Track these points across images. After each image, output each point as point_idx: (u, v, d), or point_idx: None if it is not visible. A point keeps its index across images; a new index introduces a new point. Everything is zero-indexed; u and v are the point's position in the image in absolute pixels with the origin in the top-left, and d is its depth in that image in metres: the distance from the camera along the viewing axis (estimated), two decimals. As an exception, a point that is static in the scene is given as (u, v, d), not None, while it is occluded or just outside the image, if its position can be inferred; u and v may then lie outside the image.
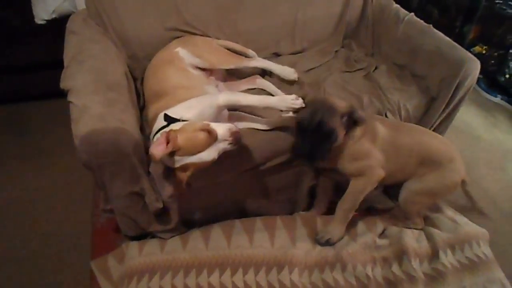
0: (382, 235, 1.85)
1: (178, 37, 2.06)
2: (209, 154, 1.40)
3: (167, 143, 1.33)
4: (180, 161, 1.40)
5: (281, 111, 1.62)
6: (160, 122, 1.53)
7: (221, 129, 1.42)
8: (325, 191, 1.96)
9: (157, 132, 1.51)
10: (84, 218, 2.06)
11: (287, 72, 2.06)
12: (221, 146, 1.42)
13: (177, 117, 1.50)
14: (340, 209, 1.75)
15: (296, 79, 2.07)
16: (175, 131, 1.38)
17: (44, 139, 2.59)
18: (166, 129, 1.44)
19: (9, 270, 1.87)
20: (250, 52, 2.15)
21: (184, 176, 1.42)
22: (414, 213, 1.85)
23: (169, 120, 1.50)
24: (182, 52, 1.87)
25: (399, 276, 1.66)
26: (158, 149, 1.32)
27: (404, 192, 1.80)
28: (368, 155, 1.66)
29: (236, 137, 1.44)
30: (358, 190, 1.70)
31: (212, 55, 1.95)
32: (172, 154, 1.37)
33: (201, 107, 1.55)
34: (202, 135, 1.38)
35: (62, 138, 2.40)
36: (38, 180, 2.32)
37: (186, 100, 1.59)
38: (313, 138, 1.51)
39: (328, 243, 1.77)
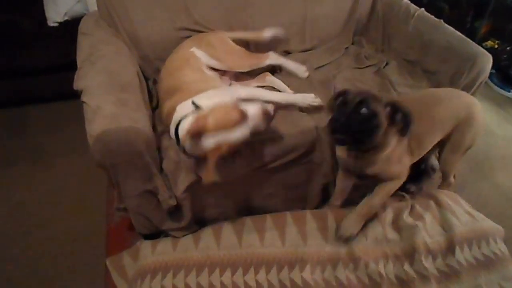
0: (394, 225, 1.83)
1: (188, 37, 2.07)
2: (241, 133, 1.40)
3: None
4: (213, 141, 1.39)
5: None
6: (180, 112, 1.53)
7: (252, 108, 1.43)
8: (344, 188, 1.92)
9: (180, 121, 1.51)
10: (98, 218, 2.09)
11: (301, 70, 2.08)
12: (252, 124, 1.42)
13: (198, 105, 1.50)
14: (365, 205, 1.73)
15: (306, 77, 2.07)
16: (204, 114, 1.40)
17: (55, 140, 2.62)
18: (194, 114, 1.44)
19: (25, 270, 1.89)
20: (265, 34, 2.14)
21: (215, 155, 1.41)
22: (452, 171, 1.97)
23: (195, 107, 1.50)
24: (199, 53, 1.88)
25: (411, 275, 1.65)
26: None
27: (443, 160, 1.91)
28: (404, 158, 1.65)
29: (267, 116, 1.44)
30: (388, 191, 1.70)
31: (230, 57, 1.95)
32: (199, 135, 1.38)
33: (220, 98, 1.54)
34: (233, 114, 1.38)
35: (72, 138, 2.45)
36: (49, 182, 2.35)
37: (202, 92, 1.59)
38: (353, 116, 1.41)
39: (348, 239, 1.76)
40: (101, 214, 2.10)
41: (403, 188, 2.16)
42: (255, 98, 1.62)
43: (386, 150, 1.57)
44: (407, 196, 1.95)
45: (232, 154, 1.47)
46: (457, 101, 1.76)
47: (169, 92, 1.71)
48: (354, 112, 1.41)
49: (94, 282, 1.82)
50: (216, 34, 2.05)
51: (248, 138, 1.44)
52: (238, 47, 2.06)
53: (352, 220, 1.75)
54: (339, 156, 1.75)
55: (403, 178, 1.69)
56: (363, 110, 1.41)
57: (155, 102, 1.92)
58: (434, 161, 2.17)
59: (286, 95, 1.66)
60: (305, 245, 1.75)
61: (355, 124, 1.41)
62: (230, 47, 2.03)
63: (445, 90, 1.86)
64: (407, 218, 1.83)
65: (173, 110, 1.58)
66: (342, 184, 1.90)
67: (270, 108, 1.49)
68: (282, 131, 1.71)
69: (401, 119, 1.45)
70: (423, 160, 2.07)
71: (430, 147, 1.78)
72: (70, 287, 1.83)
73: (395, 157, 1.61)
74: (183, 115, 1.50)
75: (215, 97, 1.53)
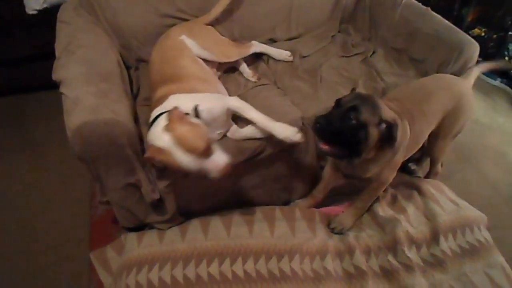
0: (373, 220, 1.84)
1: (172, 25, 2.02)
2: (189, 163, 1.33)
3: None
4: (166, 143, 1.33)
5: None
6: (169, 103, 1.49)
7: (218, 156, 1.37)
8: (329, 184, 1.90)
9: (160, 114, 1.46)
10: (82, 210, 2.05)
11: (284, 55, 2.10)
12: (205, 166, 1.36)
13: (187, 105, 1.46)
14: (355, 207, 1.79)
15: (291, 60, 2.08)
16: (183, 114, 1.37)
17: (39, 131, 2.56)
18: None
19: (6, 264, 1.86)
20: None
21: (151, 156, 1.35)
22: (441, 158, 2.00)
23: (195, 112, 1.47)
24: (189, 42, 1.85)
25: (395, 266, 1.65)
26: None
27: (431, 146, 1.92)
28: (397, 166, 1.64)
29: (224, 171, 1.37)
30: (376, 191, 1.74)
31: (218, 47, 1.94)
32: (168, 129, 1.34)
33: (213, 104, 1.53)
34: (199, 144, 1.32)
35: (56, 130, 2.36)
36: (33, 173, 2.30)
37: (200, 92, 1.58)
38: (337, 122, 1.33)
39: (340, 232, 1.79)
40: (85, 207, 2.07)
41: (405, 167, 2.20)
42: (240, 112, 1.60)
43: (380, 160, 1.52)
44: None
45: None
46: (446, 92, 1.72)
47: (166, 80, 1.67)
48: (340, 118, 1.33)
49: (78, 276, 1.79)
50: (202, 24, 2.02)
51: (190, 171, 1.36)
52: (223, 37, 2.05)
53: (345, 216, 1.80)
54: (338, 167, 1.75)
55: (391, 179, 1.70)
56: (351, 118, 1.32)
57: (136, 90, 1.88)
58: None
59: (269, 121, 1.58)
60: (294, 237, 1.74)
61: (337, 131, 1.34)
62: (218, 37, 2.02)
63: (434, 79, 1.82)
64: (385, 212, 1.84)
65: (164, 97, 1.55)
66: (329, 180, 1.88)
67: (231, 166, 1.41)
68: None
69: (389, 139, 1.37)
70: None
71: (423, 142, 1.78)
72: (54, 280, 1.80)
73: (391, 166, 1.61)
74: (170, 108, 1.44)
75: (207, 103, 1.51)
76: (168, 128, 1.34)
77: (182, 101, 1.48)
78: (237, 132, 1.68)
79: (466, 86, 1.78)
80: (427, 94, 1.69)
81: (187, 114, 1.42)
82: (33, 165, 2.35)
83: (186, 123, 1.35)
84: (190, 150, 1.32)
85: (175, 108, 1.37)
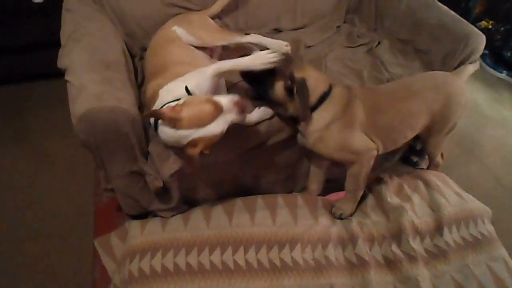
0: (379, 207, 1.84)
1: (177, 14, 2.02)
2: (217, 126, 1.37)
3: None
4: (188, 136, 1.36)
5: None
6: (164, 98, 1.49)
7: (225, 100, 1.39)
8: (317, 173, 1.94)
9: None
10: (87, 198, 2.07)
11: (278, 45, 1.92)
12: (228, 117, 1.40)
13: (178, 92, 1.47)
14: (347, 191, 1.78)
15: (289, 52, 1.94)
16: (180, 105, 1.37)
17: (42, 119, 2.58)
18: (172, 104, 1.41)
19: (11, 250, 1.88)
20: None
21: (195, 152, 1.39)
22: (437, 153, 2.02)
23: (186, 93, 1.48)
24: (179, 31, 1.83)
25: (399, 255, 1.65)
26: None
27: (425, 142, 1.94)
28: (349, 142, 1.63)
29: (241, 106, 1.41)
30: (355, 174, 1.70)
31: (205, 32, 1.89)
32: (175, 126, 1.35)
33: (196, 80, 1.51)
34: (207, 107, 1.35)
35: (59, 118, 2.42)
36: (36, 162, 2.32)
37: (183, 75, 1.55)
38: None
39: (341, 217, 1.80)
40: (89, 194, 2.09)
41: (407, 159, 2.23)
42: (225, 70, 1.57)
43: (310, 124, 1.61)
44: (385, 176, 1.95)
45: (211, 148, 1.44)
46: (431, 93, 1.71)
47: (154, 73, 1.67)
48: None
49: (82, 262, 1.81)
50: (200, 13, 2.02)
51: (224, 132, 1.40)
52: (215, 24, 2.01)
53: (343, 202, 1.80)
54: (297, 138, 1.77)
55: (366, 158, 1.67)
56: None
57: (140, 79, 1.89)
58: None
59: (238, 61, 1.55)
60: (296, 225, 1.74)
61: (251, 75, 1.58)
62: (208, 24, 1.98)
63: (423, 79, 1.79)
64: (392, 199, 1.83)
65: (155, 93, 1.54)
66: (314, 168, 1.94)
67: (242, 99, 1.44)
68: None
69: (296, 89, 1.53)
70: None
71: (403, 141, 1.79)
72: (58, 267, 1.82)
73: (341, 142, 1.63)
74: (166, 102, 1.46)
75: (190, 82, 1.50)
76: (177, 125, 1.36)
77: (171, 90, 1.49)
78: (246, 118, 1.68)
79: (456, 85, 1.76)
80: (409, 93, 1.71)
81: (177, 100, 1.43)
82: (36, 154, 2.36)
83: (182, 108, 1.36)
84: (204, 121, 1.35)
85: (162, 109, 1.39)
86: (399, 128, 1.73)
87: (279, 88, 1.56)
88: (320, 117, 1.60)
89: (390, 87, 1.81)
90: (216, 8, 2.07)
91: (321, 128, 1.61)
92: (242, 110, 1.43)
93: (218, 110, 1.37)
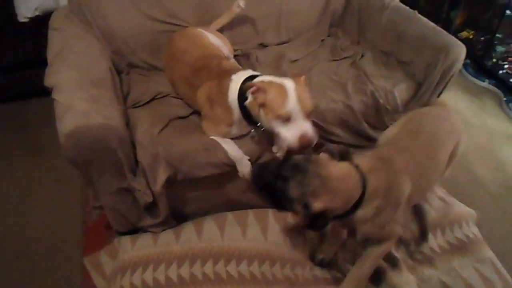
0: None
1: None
2: (293, 109, 1.39)
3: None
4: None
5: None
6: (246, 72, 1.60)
7: (307, 126, 1.43)
8: (337, 235, 1.71)
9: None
10: (75, 215, 2.06)
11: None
12: (296, 124, 1.42)
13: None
14: (355, 274, 1.52)
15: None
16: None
17: (31, 137, 2.56)
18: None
19: (1, 270, 1.86)
20: (235, 8, 2.12)
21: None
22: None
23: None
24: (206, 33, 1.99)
25: (382, 265, 1.67)
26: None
27: None
28: (393, 223, 1.42)
29: (303, 145, 1.42)
30: (379, 254, 1.48)
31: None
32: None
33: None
34: (309, 102, 1.44)
35: (49, 136, 2.39)
36: (28, 179, 2.30)
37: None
38: (267, 183, 1.29)
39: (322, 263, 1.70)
40: (77, 212, 2.07)
41: None
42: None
43: (356, 221, 1.35)
44: None
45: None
46: (452, 136, 1.62)
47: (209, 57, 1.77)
48: (269, 180, 1.28)
49: (72, 281, 1.79)
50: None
51: (286, 116, 1.41)
52: None
53: (349, 278, 1.54)
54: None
55: (396, 236, 1.48)
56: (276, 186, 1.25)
57: (125, 93, 1.90)
58: None
59: (231, 149, 1.66)
60: (286, 244, 1.75)
61: (267, 187, 1.30)
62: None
63: (438, 122, 1.64)
64: None
65: (233, 70, 1.65)
66: (332, 237, 1.72)
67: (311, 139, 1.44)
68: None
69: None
70: None
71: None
72: (47, 284, 1.80)
73: (378, 222, 1.37)
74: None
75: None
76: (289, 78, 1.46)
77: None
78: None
79: (458, 120, 1.71)
80: (440, 143, 1.57)
81: None
82: (27, 171, 2.35)
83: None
84: (302, 101, 1.40)
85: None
86: (434, 179, 1.61)
87: (299, 211, 1.24)
88: (364, 214, 1.32)
89: (419, 141, 1.55)
90: (214, 26, 2.13)
91: (369, 219, 1.34)
92: (302, 148, 1.42)
93: (303, 116, 1.42)
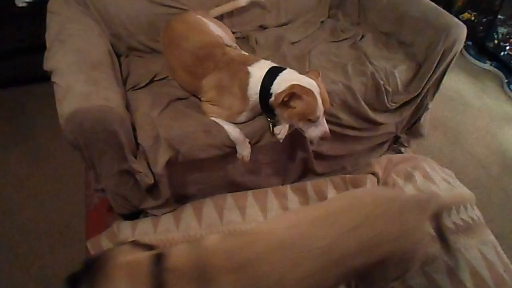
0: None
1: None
2: (318, 110, 1.51)
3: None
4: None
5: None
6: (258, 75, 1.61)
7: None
8: None
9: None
10: (78, 199, 2.07)
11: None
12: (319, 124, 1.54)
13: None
14: None
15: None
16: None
17: (31, 123, 2.57)
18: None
19: (4, 253, 1.87)
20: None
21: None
22: None
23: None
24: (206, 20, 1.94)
25: None
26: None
27: None
28: None
29: (323, 139, 1.58)
30: None
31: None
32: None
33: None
34: (327, 103, 1.56)
35: (48, 122, 2.41)
36: (28, 165, 2.30)
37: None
38: None
39: None
40: (80, 195, 2.09)
41: (396, 140, 2.25)
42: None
43: None
44: (376, 167, 1.96)
45: None
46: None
47: (206, 47, 1.74)
48: None
49: (75, 264, 1.80)
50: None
51: (313, 117, 1.52)
52: None
53: None
54: None
55: None
56: None
57: (125, 76, 1.90)
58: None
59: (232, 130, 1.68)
60: None
61: None
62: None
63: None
64: None
65: (250, 60, 1.67)
66: None
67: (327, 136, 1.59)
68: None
69: None
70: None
71: None
72: (51, 268, 1.81)
73: None
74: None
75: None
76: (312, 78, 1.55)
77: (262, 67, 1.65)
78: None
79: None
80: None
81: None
82: (27, 157, 2.35)
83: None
84: (324, 102, 1.52)
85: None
86: None
87: None
88: None
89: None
90: (214, 13, 2.11)
91: None
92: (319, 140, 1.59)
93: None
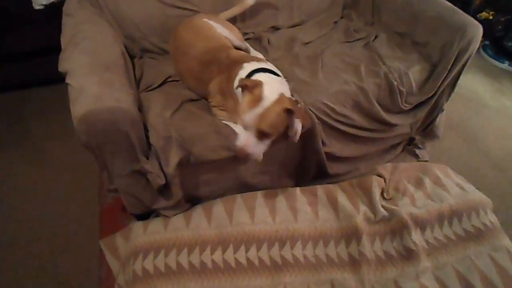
0: (382, 202, 1.84)
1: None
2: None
3: None
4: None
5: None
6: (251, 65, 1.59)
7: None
8: None
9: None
10: (92, 199, 2.10)
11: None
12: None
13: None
14: None
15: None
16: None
17: (46, 123, 2.61)
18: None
19: (19, 252, 1.91)
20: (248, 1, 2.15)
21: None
22: None
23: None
24: (212, 23, 1.92)
25: (400, 251, 1.65)
26: None
27: None
28: None
29: (239, 156, 1.49)
30: None
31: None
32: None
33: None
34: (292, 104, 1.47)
35: (64, 121, 2.43)
36: (42, 165, 2.35)
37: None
38: None
39: None
40: (94, 195, 2.11)
41: (411, 153, 2.19)
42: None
43: None
44: (385, 171, 1.94)
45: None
46: None
47: (216, 49, 1.74)
48: None
49: (88, 263, 1.83)
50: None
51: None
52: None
53: None
54: None
55: None
56: None
57: (138, 77, 1.91)
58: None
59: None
60: (296, 221, 1.75)
61: None
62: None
63: None
64: (395, 195, 1.84)
65: (241, 60, 1.63)
66: None
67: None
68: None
69: None
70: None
71: None
72: (65, 267, 1.84)
73: None
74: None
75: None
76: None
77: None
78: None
79: None
80: None
81: None
82: (39, 159, 2.39)
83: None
84: (262, 117, 1.41)
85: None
86: None
87: None
88: None
89: None
90: (226, 15, 2.12)
91: None
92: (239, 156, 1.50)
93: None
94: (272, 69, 1.64)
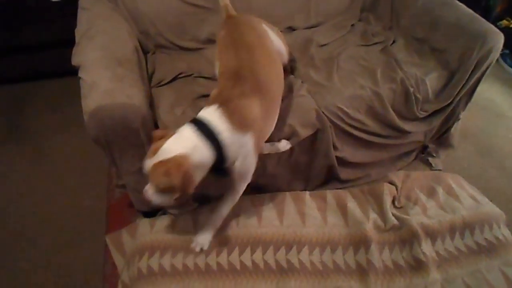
0: (392, 211, 1.81)
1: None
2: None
3: None
4: None
5: None
6: None
7: None
8: None
9: None
10: (99, 194, 2.09)
11: None
12: None
13: None
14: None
15: None
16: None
17: (57, 116, 2.61)
18: None
19: (25, 246, 1.91)
20: None
21: None
22: None
23: None
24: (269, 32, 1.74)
25: (409, 261, 1.63)
26: None
27: None
28: None
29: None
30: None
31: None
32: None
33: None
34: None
35: (75, 114, 2.43)
36: (51, 159, 2.35)
37: None
38: None
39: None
40: (102, 190, 2.11)
41: (425, 162, 2.16)
42: None
43: None
44: (397, 179, 1.91)
45: None
46: None
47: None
48: None
49: (94, 258, 1.83)
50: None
51: None
52: None
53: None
54: None
55: None
56: None
57: (150, 72, 1.90)
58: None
59: None
60: (304, 226, 1.73)
61: None
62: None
63: None
64: (406, 203, 1.81)
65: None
66: None
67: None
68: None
69: None
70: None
71: None
72: (70, 262, 1.84)
73: None
74: None
75: None
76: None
77: None
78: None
79: None
80: None
81: None
82: (49, 152, 2.39)
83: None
84: (156, 174, 1.26)
85: None
86: None
87: None
88: None
89: None
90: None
91: None
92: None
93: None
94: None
